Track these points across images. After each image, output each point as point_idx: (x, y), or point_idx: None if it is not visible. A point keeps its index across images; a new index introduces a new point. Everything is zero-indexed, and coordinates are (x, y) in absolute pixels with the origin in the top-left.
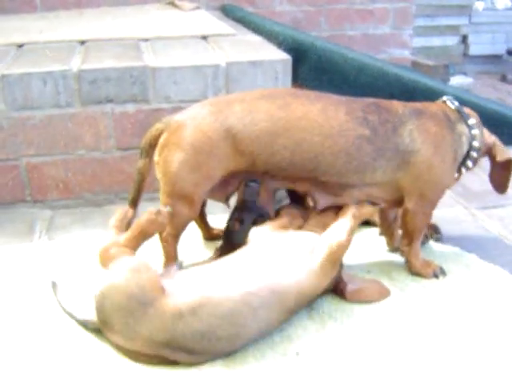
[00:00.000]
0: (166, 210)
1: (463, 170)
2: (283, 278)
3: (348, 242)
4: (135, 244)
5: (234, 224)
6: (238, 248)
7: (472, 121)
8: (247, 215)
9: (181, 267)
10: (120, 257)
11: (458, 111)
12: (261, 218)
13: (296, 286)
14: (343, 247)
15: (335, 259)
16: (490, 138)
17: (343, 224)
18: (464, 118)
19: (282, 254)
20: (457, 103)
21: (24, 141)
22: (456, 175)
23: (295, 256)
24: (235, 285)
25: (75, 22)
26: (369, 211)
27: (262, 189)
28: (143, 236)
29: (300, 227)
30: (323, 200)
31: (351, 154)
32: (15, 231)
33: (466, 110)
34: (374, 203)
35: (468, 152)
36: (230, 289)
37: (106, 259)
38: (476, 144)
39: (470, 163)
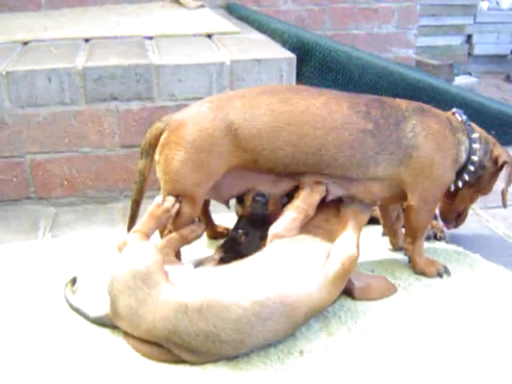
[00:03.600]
0: (173, 199)
1: (459, 182)
2: (295, 292)
3: (358, 254)
4: (148, 227)
5: (240, 236)
6: (241, 257)
7: (475, 135)
8: (253, 229)
9: (197, 265)
10: (133, 242)
11: (464, 123)
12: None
13: (307, 301)
14: (355, 261)
15: (347, 274)
16: (498, 150)
17: (350, 236)
18: (468, 131)
19: (297, 266)
20: (465, 117)
21: (28, 138)
22: (452, 187)
23: (309, 270)
24: (247, 292)
25: (80, 20)
26: (365, 219)
27: (270, 202)
28: (153, 219)
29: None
30: (335, 190)
31: (354, 148)
32: (19, 228)
33: (474, 125)
34: (367, 204)
35: (466, 164)
36: (241, 295)
37: (123, 247)
38: (475, 158)
39: (466, 176)
